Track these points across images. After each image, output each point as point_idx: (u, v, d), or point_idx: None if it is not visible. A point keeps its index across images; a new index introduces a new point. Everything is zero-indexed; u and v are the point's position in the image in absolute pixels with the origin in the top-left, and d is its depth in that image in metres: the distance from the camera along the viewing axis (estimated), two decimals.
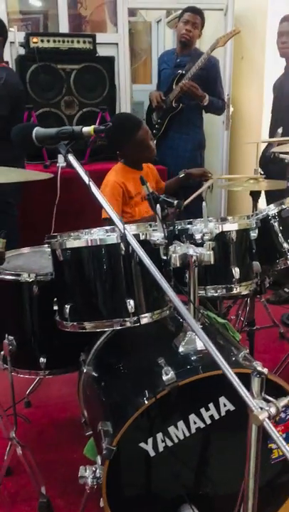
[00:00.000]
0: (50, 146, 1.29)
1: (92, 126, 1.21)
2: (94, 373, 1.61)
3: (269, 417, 0.87)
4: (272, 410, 0.87)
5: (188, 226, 1.58)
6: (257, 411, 0.87)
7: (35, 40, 3.28)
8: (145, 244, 1.31)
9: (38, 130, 1.26)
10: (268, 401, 0.90)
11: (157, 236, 1.39)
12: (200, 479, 1.44)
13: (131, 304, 1.38)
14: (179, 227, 1.61)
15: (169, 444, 1.33)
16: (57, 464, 1.84)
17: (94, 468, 1.34)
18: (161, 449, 1.32)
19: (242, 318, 2.48)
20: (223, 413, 1.35)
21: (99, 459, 1.35)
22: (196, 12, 3.26)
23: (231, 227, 1.60)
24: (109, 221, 1.68)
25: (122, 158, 2.27)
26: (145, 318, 1.41)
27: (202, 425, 1.34)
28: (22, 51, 3.43)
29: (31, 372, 1.75)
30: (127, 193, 2.16)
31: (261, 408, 0.88)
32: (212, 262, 1.38)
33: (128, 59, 3.91)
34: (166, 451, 1.33)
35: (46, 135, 1.25)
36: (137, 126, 2.18)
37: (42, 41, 3.30)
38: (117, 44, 3.82)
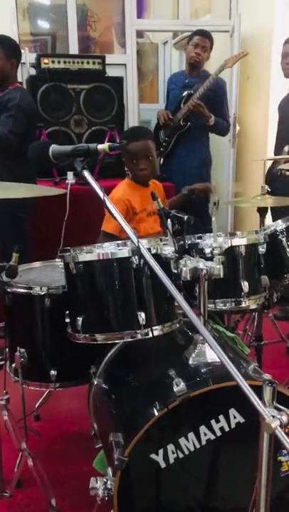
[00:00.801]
0: (65, 163, 1.33)
1: (107, 144, 1.25)
2: (104, 386, 1.63)
3: (281, 425, 0.89)
4: (284, 418, 0.89)
5: (198, 241, 1.61)
6: (269, 419, 0.89)
7: (46, 61, 3.37)
8: (156, 258, 1.33)
9: (54, 147, 1.30)
10: (279, 410, 0.92)
11: (168, 250, 1.42)
12: (210, 492, 1.44)
13: (142, 316, 1.41)
14: (189, 242, 1.64)
15: (180, 455, 1.34)
16: (67, 477, 1.85)
17: (105, 480, 1.36)
18: (172, 460, 1.33)
19: (250, 333, 2.50)
20: (233, 425, 1.36)
21: (109, 471, 1.36)
22: (206, 36, 3.34)
23: (240, 241, 1.63)
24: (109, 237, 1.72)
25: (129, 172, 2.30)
26: (156, 331, 1.44)
27: (212, 437, 1.35)
28: (33, 71, 3.52)
29: (42, 384, 1.77)
30: (131, 209, 2.19)
31: (273, 416, 0.90)
32: (221, 276, 1.41)
33: (136, 79, 4.00)
34: (177, 463, 1.34)
35: (62, 152, 1.30)
36: (136, 135, 2.19)
37: (53, 62, 3.39)
38: (125, 65, 3.92)
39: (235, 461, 1.40)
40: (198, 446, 1.35)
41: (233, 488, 1.41)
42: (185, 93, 3.33)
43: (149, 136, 2.26)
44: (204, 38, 3.32)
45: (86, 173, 1.24)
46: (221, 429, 1.35)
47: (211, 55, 3.54)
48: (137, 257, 1.37)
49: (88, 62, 3.47)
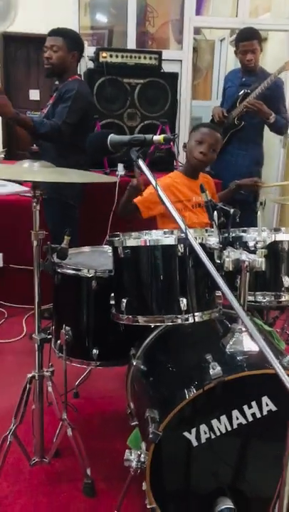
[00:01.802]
0: (120, 152, 1.42)
1: (163, 136, 1.33)
2: (143, 367, 1.71)
3: None
4: None
5: (243, 234, 1.67)
6: None
7: (104, 54, 3.48)
8: (201, 247, 1.40)
9: (112, 136, 1.39)
10: None
11: (213, 241, 1.49)
12: (238, 476, 1.50)
13: (183, 302, 1.48)
14: (234, 235, 1.70)
15: (212, 436, 1.40)
16: (101, 451, 1.95)
17: (139, 453, 1.44)
18: (203, 440, 1.40)
19: (287, 332, 2.52)
20: (265, 412, 1.41)
21: (143, 445, 1.45)
22: (251, 38, 3.29)
23: (284, 237, 1.67)
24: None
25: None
26: (196, 317, 1.50)
27: (244, 422, 1.41)
28: (91, 65, 3.64)
29: (84, 361, 1.88)
30: (178, 193, 2.27)
31: None
32: (263, 269, 1.46)
33: (191, 75, 4.06)
34: (208, 443, 1.41)
35: (120, 141, 1.39)
36: (216, 127, 2.29)
37: (111, 56, 3.50)
38: (181, 61, 3.98)
39: (264, 449, 1.46)
40: (229, 429, 1.41)
41: (260, 476, 1.47)
42: (242, 92, 3.34)
43: (220, 135, 2.36)
44: (250, 41, 3.28)
45: (140, 162, 1.32)
46: (253, 415, 1.41)
47: (267, 53, 3.54)
48: (182, 245, 1.45)
49: (145, 57, 3.56)
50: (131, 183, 2.01)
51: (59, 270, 1.86)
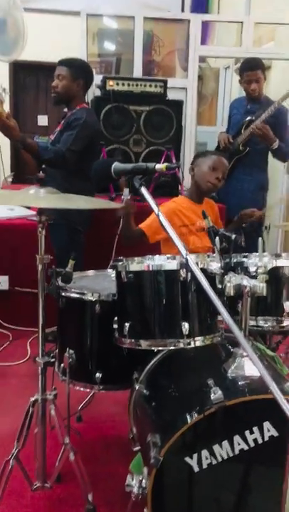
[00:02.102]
0: (124, 179, 1.47)
1: (165, 164, 1.38)
2: (145, 391, 1.72)
3: None
4: None
5: (244, 259, 1.70)
6: None
7: (111, 83, 3.58)
8: (203, 272, 1.42)
9: (116, 165, 1.44)
10: None
11: (214, 266, 1.51)
12: (239, 504, 1.49)
13: (185, 326, 1.50)
14: (235, 260, 1.72)
15: (213, 462, 1.40)
16: (104, 476, 1.94)
17: (140, 478, 1.45)
18: (205, 465, 1.40)
19: None
20: (266, 438, 1.41)
21: (145, 470, 1.45)
22: (254, 68, 3.37)
23: (285, 262, 1.69)
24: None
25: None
26: (198, 341, 1.52)
27: (246, 447, 1.41)
28: (98, 92, 3.74)
29: (87, 385, 1.87)
30: (183, 218, 2.32)
31: None
32: (264, 294, 1.48)
33: (196, 103, 4.15)
34: (210, 469, 1.40)
35: (123, 169, 1.43)
36: (224, 154, 2.38)
37: (117, 84, 3.60)
38: (186, 88, 4.07)
39: (266, 475, 1.45)
40: (231, 454, 1.41)
41: (262, 502, 1.46)
42: (247, 119, 3.42)
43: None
44: (254, 71, 3.37)
45: (143, 190, 1.36)
46: (255, 440, 1.41)
47: (271, 81, 3.62)
48: (184, 270, 1.48)
49: (151, 86, 3.66)
50: (120, 209, 2.09)
51: (63, 294, 1.88)
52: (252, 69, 3.38)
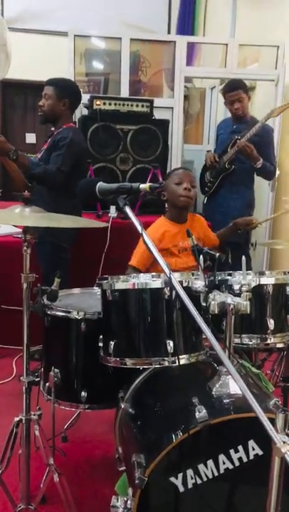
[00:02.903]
0: (110, 198, 1.48)
1: (148, 184, 1.39)
2: (131, 410, 1.71)
3: None
4: None
5: (228, 277, 1.71)
6: (280, 444, 0.96)
7: (98, 102, 3.62)
8: (187, 290, 1.43)
9: (101, 184, 1.45)
10: None
11: (199, 284, 1.53)
12: None
13: (170, 344, 1.51)
14: (219, 278, 1.74)
15: (198, 481, 1.40)
16: (89, 497, 1.92)
17: (125, 499, 1.43)
18: (190, 485, 1.40)
19: (277, 374, 2.53)
20: (251, 457, 1.41)
21: (130, 491, 1.44)
22: (235, 88, 3.44)
23: (268, 280, 1.71)
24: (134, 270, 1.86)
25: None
26: (183, 359, 1.53)
27: (231, 466, 1.41)
28: (85, 111, 3.78)
29: (72, 404, 1.87)
30: (166, 241, 2.34)
31: (284, 442, 0.97)
32: (248, 312, 1.49)
33: (182, 122, 4.20)
34: (195, 489, 1.40)
35: (108, 189, 1.44)
36: (182, 168, 2.41)
37: (104, 104, 3.64)
38: (172, 108, 4.13)
39: (251, 494, 1.45)
40: (216, 474, 1.40)
41: None
42: (233, 137, 3.47)
43: (193, 173, 2.49)
44: (235, 91, 3.44)
45: (127, 209, 1.37)
46: (240, 459, 1.41)
47: (256, 101, 3.69)
48: (169, 288, 1.49)
49: (137, 105, 3.71)
50: None
51: (49, 312, 1.88)
52: (233, 89, 3.46)
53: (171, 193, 2.39)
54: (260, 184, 4.06)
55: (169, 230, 2.36)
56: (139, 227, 1.35)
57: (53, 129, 3.04)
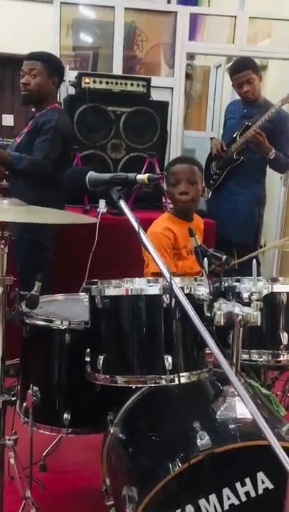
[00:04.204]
0: (101, 190, 1.47)
1: (147, 175, 1.39)
2: (121, 435, 1.71)
3: None
4: None
5: (236, 284, 1.71)
6: None
7: (87, 80, 3.60)
8: (189, 298, 1.42)
9: (91, 174, 1.44)
10: None
11: (202, 291, 1.52)
12: None
13: (169, 360, 1.50)
14: (226, 284, 1.73)
15: None
16: None
17: None
18: None
19: None
20: (260, 491, 1.40)
21: None
22: (243, 68, 3.44)
23: (282, 288, 1.71)
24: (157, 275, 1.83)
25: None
26: (183, 378, 1.52)
27: (236, 502, 1.40)
28: (72, 91, 3.76)
29: (53, 428, 1.86)
30: (175, 244, 2.31)
31: None
32: (259, 324, 1.49)
33: (182, 105, 4.20)
34: None
35: (100, 180, 1.43)
36: (183, 159, 2.38)
37: (94, 82, 3.62)
38: (172, 88, 4.13)
39: None
40: (219, 511, 1.40)
41: None
42: (244, 124, 3.46)
43: (196, 163, 2.43)
44: (243, 71, 3.43)
45: (122, 203, 1.36)
46: (247, 493, 1.40)
47: (269, 82, 3.69)
48: (168, 295, 1.48)
49: (132, 84, 3.69)
50: None
51: (28, 321, 1.87)
52: (240, 70, 3.45)
53: (169, 195, 2.39)
54: (271, 178, 4.07)
55: (178, 227, 2.35)
56: (135, 225, 1.34)
57: (33, 109, 3.02)
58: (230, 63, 3.72)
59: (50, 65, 2.89)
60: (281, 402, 2.55)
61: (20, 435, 1.77)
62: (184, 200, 2.33)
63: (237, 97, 3.79)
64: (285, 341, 1.69)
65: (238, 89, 3.52)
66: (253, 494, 1.40)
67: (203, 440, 1.35)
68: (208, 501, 1.39)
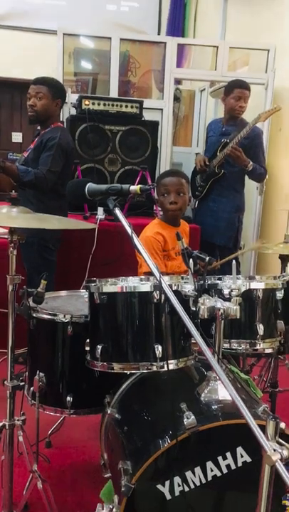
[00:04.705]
0: (99, 199, 1.47)
1: (139, 186, 1.39)
2: (117, 416, 1.69)
3: (281, 459, 0.95)
4: (285, 453, 0.96)
5: (218, 281, 1.71)
6: (270, 452, 0.96)
7: (87, 102, 3.61)
8: (176, 294, 1.42)
9: (90, 185, 1.44)
10: (281, 444, 0.98)
11: (188, 288, 1.52)
12: None
13: (159, 349, 1.49)
14: (209, 282, 1.73)
15: (186, 489, 1.39)
16: (73, 504, 1.90)
17: (111, 507, 1.42)
18: (177, 493, 1.38)
19: (265, 379, 2.53)
20: (239, 464, 1.40)
21: (116, 498, 1.42)
22: (246, 87, 3.46)
23: (258, 285, 1.71)
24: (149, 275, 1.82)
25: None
26: (171, 365, 1.52)
27: (218, 474, 1.40)
28: (74, 111, 3.76)
29: (57, 409, 1.84)
30: (165, 246, 2.32)
31: (274, 450, 0.96)
32: (238, 317, 1.49)
33: (171, 124, 4.21)
34: (182, 496, 1.39)
35: (97, 190, 1.43)
36: (172, 172, 2.38)
37: (93, 104, 3.62)
38: (161, 110, 4.13)
39: (239, 501, 1.44)
40: (204, 481, 1.39)
41: None
42: (222, 141, 3.48)
43: (183, 176, 2.44)
44: (245, 90, 3.45)
45: (117, 211, 1.36)
46: (228, 466, 1.40)
47: None
48: (158, 292, 1.48)
49: (126, 106, 3.70)
50: None
51: (34, 315, 1.85)
52: (246, 88, 3.46)
53: (159, 203, 2.40)
54: (249, 188, 4.08)
55: (167, 232, 2.36)
56: (128, 230, 1.34)
57: (39, 128, 3.02)
58: (214, 87, 3.71)
59: (54, 89, 2.89)
60: (258, 385, 2.56)
61: (28, 416, 1.76)
62: (173, 209, 2.35)
63: (217, 116, 3.79)
64: (261, 332, 1.69)
65: (235, 101, 3.46)
66: (233, 467, 1.40)
67: (189, 419, 1.35)
68: (193, 473, 1.39)
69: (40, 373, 1.82)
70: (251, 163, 3.39)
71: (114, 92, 4.13)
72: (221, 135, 3.58)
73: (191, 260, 1.57)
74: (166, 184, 2.35)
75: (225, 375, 1.19)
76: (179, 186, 2.35)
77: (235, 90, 3.47)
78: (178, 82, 4.95)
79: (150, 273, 1.93)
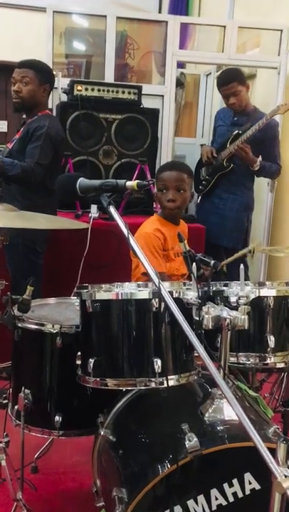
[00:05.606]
0: (92, 196, 1.48)
1: (136, 181, 1.39)
2: (111, 437, 1.70)
3: None
4: None
5: (224, 288, 1.71)
6: (281, 478, 0.96)
7: (79, 87, 3.61)
8: (177, 302, 1.42)
9: (82, 181, 1.45)
10: None
11: (191, 295, 1.52)
12: None
13: (158, 363, 1.50)
14: (214, 289, 1.74)
15: None
16: None
17: None
18: None
19: (276, 397, 2.53)
20: (247, 491, 1.41)
21: None
22: (229, 81, 3.45)
23: (269, 292, 1.71)
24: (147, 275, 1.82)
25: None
26: (172, 381, 1.52)
27: (224, 502, 1.40)
28: (65, 98, 3.77)
29: (44, 430, 1.85)
30: (164, 245, 2.32)
31: (286, 476, 0.97)
32: (246, 327, 1.49)
33: (173, 112, 4.21)
34: None
35: (90, 186, 1.44)
36: (173, 165, 2.38)
37: (86, 89, 3.63)
38: (162, 96, 4.14)
39: None
40: (207, 511, 1.40)
41: None
42: (235, 132, 3.47)
43: (186, 170, 2.43)
44: (229, 84, 3.44)
45: (112, 209, 1.37)
46: (234, 494, 1.41)
47: (256, 91, 3.69)
48: (157, 299, 1.48)
49: (124, 92, 3.71)
50: None
51: (20, 324, 1.86)
52: (226, 83, 3.47)
53: (157, 199, 2.40)
54: (259, 183, 4.08)
55: (166, 229, 2.36)
56: (124, 230, 1.34)
57: (24, 116, 3.02)
58: (219, 72, 3.73)
59: (42, 73, 2.89)
60: (269, 404, 2.56)
61: (12, 437, 1.77)
62: (171, 208, 2.36)
63: (224, 104, 3.80)
64: (272, 344, 1.69)
65: (226, 100, 3.55)
66: (240, 495, 1.41)
67: (191, 442, 1.35)
68: (196, 502, 1.39)
69: (26, 390, 1.82)
70: (258, 162, 3.37)
71: (109, 77, 4.13)
72: (232, 125, 3.58)
73: (194, 264, 1.57)
74: (165, 179, 2.35)
75: (231, 393, 1.19)
76: (179, 182, 2.34)
77: (221, 89, 3.52)
78: (181, 65, 4.95)
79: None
